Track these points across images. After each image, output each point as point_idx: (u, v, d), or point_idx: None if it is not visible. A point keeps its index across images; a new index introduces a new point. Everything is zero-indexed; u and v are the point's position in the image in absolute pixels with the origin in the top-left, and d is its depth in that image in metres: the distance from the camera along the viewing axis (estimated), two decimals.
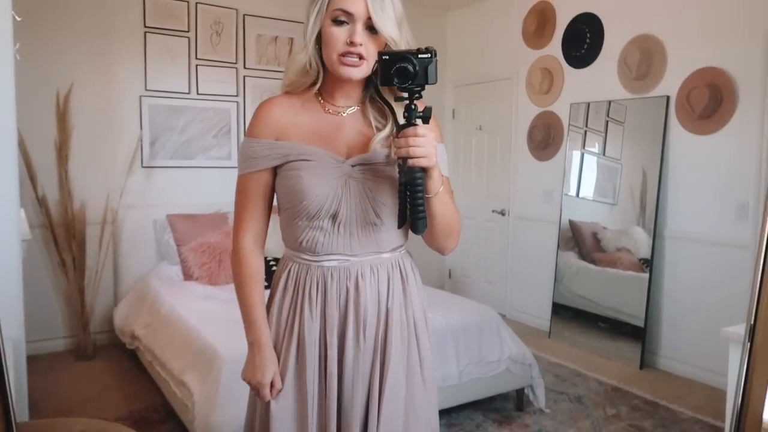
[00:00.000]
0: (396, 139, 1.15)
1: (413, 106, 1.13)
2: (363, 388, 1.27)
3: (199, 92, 4.22)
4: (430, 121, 1.15)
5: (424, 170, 1.15)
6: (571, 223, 4.24)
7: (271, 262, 3.72)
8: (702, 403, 3.18)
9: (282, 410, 1.27)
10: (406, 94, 1.14)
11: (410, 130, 1.12)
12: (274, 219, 1.31)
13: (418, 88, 1.13)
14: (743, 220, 3.29)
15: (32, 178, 3.52)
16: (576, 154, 4.23)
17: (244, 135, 1.33)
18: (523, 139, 4.69)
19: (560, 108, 4.38)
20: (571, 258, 4.22)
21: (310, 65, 1.25)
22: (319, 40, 1.23)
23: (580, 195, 4.21)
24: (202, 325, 2.73)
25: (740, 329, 1.98)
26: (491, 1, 4.92)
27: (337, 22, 1.19)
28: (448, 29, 5.36)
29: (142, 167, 4.04)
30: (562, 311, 4.25)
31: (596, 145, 4.11)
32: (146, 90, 4.03)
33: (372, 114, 1.29)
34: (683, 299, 3.60)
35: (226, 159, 4.23)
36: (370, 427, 1.26)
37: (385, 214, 1.26)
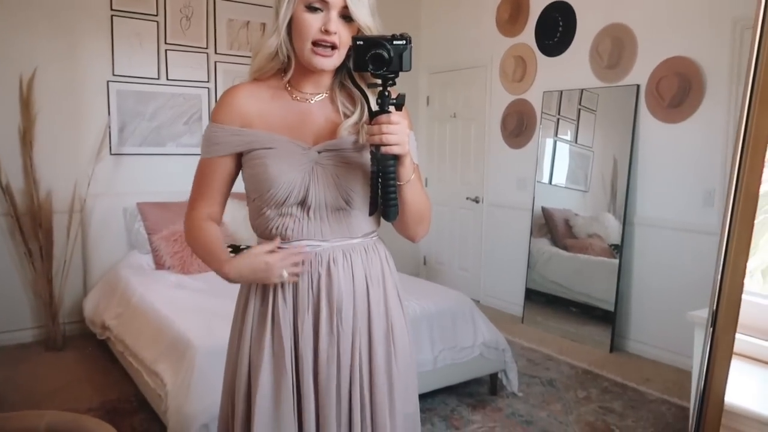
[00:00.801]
0: (369, 126, 1.14)
1: (387, 93, 1.12)
2: (345, 377, 1.26)
3: (169, 78, 4.13)
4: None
5: (397, 158, 1.14)
6: (543, 210, 4.29)
7: (245, 250, 3.69)
8: (669, 384, 3.26)
9: (263, 394, 1.25)
10: (379, 81, 1.12)
11: (383, 117, 1.11)
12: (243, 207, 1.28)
13: (393, 75, 1.12)
14: (710, 207, 3.37)
15: None
16: (549, 142, 4.27)
17: (209, 119, 1.30)
18: (496, 126, 4.71)
19: (533, 96, 4.41)
20: (543, 244, 4.28)
21: (281, 51, 1.23)
22: (290, 25, 1.21)
23: (553, 182, 4.26)
24: (174, 315, 2.70)
25: (705, 313, 2.05)
26: None
27: (311, 9, 1.17)
28: (422, 16, 5.34)
29: (111, 154, 3.95)
30: (534, 297, 4.32)
31: (568, 132, 4.15)
32: (114, 75, 3.93)
33: (340, 100, 1.28)
34: (651, 284, 3.68)
35: (198, 146, 4.11)
36: (354, 419, 1.26)
37: (355, 199, 1.25)
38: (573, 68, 4.09)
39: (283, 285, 1.27)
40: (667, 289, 3.59)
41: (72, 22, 3.77)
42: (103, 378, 3.19)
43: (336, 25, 1.17)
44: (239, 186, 1.34)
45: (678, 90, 3.46)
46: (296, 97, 1.28)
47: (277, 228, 1.27)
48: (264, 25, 4.40)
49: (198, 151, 1.34)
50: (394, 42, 1.10)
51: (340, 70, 1.27)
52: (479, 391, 3.12)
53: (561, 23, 4.16)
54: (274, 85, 1.28)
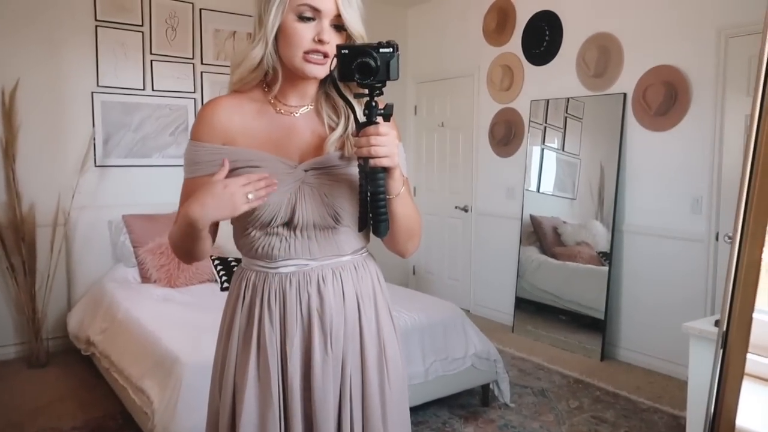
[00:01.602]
0: (357, 138, 1.09)
1: (374, 103, 1.09)
2: (335, 399, 1.21)
3: (155, 88, 4.09)
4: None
5: (386, 170, 1.10)
6: (532, 218, 4.29)
7: (233, 263, 3.65)
8: (660, 392, 3.26)
9: (247, 421, 1.20)
10: (366, 91, 1.08)
11: (371, 128, 1.07)
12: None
13: (380, 85, 1.08)
14: (697, 214, 3.39)
15: None
16: (536, 150, 4.28)
17: (189, 137, 1.23)
18: (484, 135, 4.72)
19: (521, 105, 4.42)
20: (532, 253, 4.28)
21: (266, 62, 1.18)
22: (276, 35, 1.17)
23: (541, 190, 4.26)
24: (161, 330, 2.65)
25: (700, 324, 2.01)
26: None
27: (303, 18, 1.13)
28: (409, 26, 5.35)
29: (95, 166, 3.89)
30: (524, 305, 4.31)
31: (555, 141, 4.16)
32: (98, 86, 3.89)
33: (326, 112, 1.23)
34: (640, 291, 3.68)
35: None
36: None
37: (343, 216, 1.21)
38: (560, 77, 4.11)
39: (270, 304, 1.21)
40: (656, 297, 3.59)
41: (55, 32, 3.72)
42: (88, 395, 3.12)
43: (329, 34, 1.14)
44: None
45: (664, 98, 3.48)
46: (280, 110, 1.22)
47: (263, 248, 1.22)
48: (250, 35, 4.37)
49: None
50: (381, 50, 1.06)
51: (325, 81, 1.22)
52: (471, 402, 3.09)
53: (548, 32, 4.18)
54: (257, 98, 1.23)
